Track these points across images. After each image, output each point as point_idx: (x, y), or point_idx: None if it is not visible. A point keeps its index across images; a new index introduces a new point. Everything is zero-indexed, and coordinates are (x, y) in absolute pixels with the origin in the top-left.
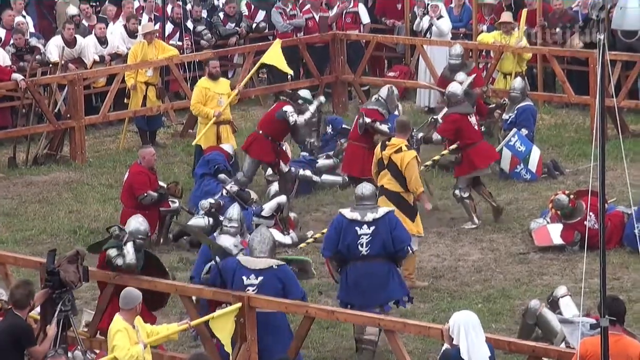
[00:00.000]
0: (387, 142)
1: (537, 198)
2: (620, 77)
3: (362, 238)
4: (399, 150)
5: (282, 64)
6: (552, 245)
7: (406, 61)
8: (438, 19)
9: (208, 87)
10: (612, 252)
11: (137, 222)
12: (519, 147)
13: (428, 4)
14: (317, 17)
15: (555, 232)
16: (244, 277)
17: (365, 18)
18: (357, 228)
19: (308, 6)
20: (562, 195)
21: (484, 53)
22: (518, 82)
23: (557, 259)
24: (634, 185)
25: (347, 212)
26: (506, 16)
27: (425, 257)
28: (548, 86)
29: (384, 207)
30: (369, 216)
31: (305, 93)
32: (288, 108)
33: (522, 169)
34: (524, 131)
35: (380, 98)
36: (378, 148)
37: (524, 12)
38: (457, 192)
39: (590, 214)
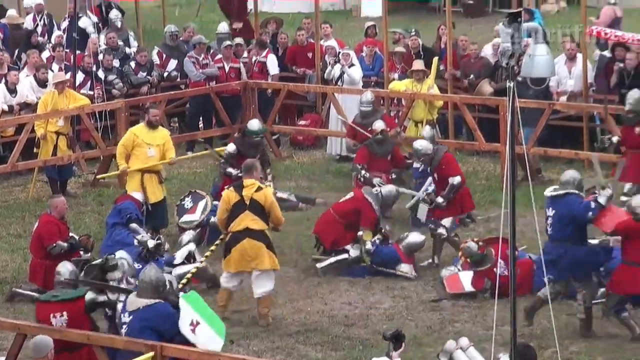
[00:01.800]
0: (242, 185)
1: (448, 246)
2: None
3: None
4: (259, 189)
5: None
6: (463, 293)
7: (317, 109)
8: (349, 67)
9: (139, 134)
10: (523, 299)
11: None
12: None
13: (339, 52)
14: (227, 67)
15: (466, 280)
16: (122, 315)
17: (273, 69)
18: None
19: (219, 56)
20: (471, 242)
21: (395, 101)
22: (427, 132)
23: (469, 306)
24: (544, 232)
25: None
26: (418, 64)
27: (337, 305)
28: (459, 134)
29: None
30: None
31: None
32: None
33: None
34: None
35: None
36: (231, 193)
37: (435, 60)
38: (442, 230)
39: (501, 261)
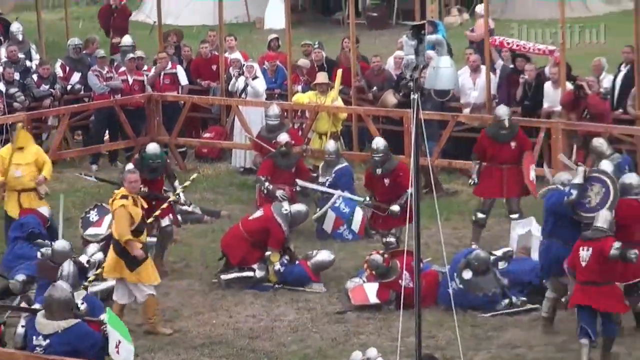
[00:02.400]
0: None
1: (353, 257)
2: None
3: None
4: (115, 198)
5: None
6: (368, 304)
7: (222, 122)
8: (253, 79)
9: (5, 156)
10: (428, 311)
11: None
12: (344, 209)
13: (243, 65)
14: (130, 80)
15: (371, 291)
16: (34, 337)
17: (183, 80)
18: None
19: (123, 68)
20: (376, 255)
21: (299, 113)
22: (332, 145)
23: (374, 317)
24: (448, 243)
25: None
26: (322, 77)
27: (242, 317)
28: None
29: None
30: None
31: (151, 149)
32: None
33: (345, 230)
34: (347, 193)
35: None
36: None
37: (339, 72)
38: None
39: (406, 273)
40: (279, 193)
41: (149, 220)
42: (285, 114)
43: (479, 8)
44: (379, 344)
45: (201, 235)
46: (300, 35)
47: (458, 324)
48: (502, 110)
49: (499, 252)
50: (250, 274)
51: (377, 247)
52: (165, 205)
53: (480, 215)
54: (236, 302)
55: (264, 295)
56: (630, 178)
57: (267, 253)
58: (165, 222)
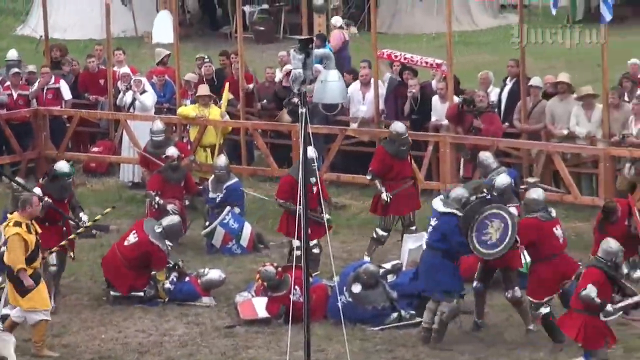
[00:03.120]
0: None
1: (242, 271)
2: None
3: None
4: (8, 224)
5: None
6: (257, 319)
7: (110, 136)
8: (141, 93)
9: None
10: (317, 325)
11: None
12: (233, 225)
13: (132, 79)
14: (15, 95)
15: (260, 306)
16: None
17: (67, 94)
18: None
19: (8, 83)
20: (269, 266)
21: (188, 127)
22: (222, 161)
23: (263, 332)
24: (337, 257)
25: None
26: (203, 89)
27: (131, 332)
28: (254, 160)
29: None
30: None
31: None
32: None
33: (234, 245)
34: (236, 209)
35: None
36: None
37: (227, 86)
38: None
39: (296, 287)
40: (170, 207)
41: (53, 249)
42: (174, 128)
43: (335, 20)
44: (268, 357)
45: (90, 250)
46: (188, 50)
47: (347, 337)
48: (401, 127)
49: (387, 265)
50: (140, 293)
51: (266, 260)
52: (72, 237)
53: (382, 232)
54: (125, 317)
55: (153, 310)
56: (535, 193)
57: (153, 272)
58: (52, 260)
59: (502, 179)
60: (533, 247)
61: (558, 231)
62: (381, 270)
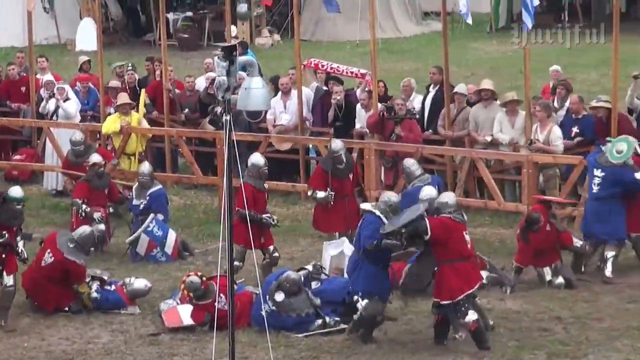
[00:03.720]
0: None
1: (167, 279)
2: None
3: None
4: None
5: None
6: (182, 326)
7: (33, 144)
8: (65, 101)
9: None
10: (241, 332)
11: None
12: (157, 232)
13: (55, 87)
14: None
15: (185, 313)
16: None
17: None
18: None
19: None
20: (194, 277)
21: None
22: (146, 167)
23: (188, 339)
24: (260, 264)
25: None
26: (123, 97)
27: (55, 340)
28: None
29: None
30: None
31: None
32: None
33: (159, 252)
34: (160, 216)
35: None
36: None
37: (143, 92)
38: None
39: (221, 295)
40: (96, 215)
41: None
42: (98, 135)
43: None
44: None
45: None
46: (112, 57)
47: (272, 344)
48: (336, 144)
49: (309, 266)
50: (66, 308)
51: (192, 267)
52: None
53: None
54: (49, 325)
55: (77, 317)
56: (446, 197)
57: (74, 286)
58: (9, 281)
59: (428, 190)
60: (442, 246)
61: (467, 236)
62: (303, 272)
